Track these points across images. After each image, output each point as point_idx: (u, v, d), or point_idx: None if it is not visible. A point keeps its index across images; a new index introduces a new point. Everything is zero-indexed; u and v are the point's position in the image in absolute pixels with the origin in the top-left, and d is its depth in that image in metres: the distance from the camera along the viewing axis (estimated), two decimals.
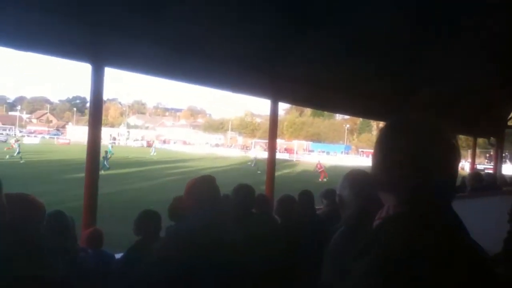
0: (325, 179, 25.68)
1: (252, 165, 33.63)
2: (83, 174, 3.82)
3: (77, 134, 68.13)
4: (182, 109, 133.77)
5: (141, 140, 79.50)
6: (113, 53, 3.87)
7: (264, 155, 16.33)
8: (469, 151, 11.65)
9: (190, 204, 2.40)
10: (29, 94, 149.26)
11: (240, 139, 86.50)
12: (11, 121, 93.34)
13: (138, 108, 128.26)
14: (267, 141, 6.99)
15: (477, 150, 15.45)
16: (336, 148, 68.74)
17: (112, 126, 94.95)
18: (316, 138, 79.35)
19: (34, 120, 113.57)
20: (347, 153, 65.84)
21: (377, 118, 9.15)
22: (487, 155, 44.23)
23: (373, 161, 1.14)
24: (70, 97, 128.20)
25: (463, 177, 7.75)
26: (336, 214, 2.52)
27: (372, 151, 1.19)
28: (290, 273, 3.01)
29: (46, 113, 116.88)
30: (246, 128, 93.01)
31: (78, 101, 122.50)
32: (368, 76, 6.31)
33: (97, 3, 3.53)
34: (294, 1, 4.52)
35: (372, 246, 0.99)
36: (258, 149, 46.86)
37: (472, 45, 6.11)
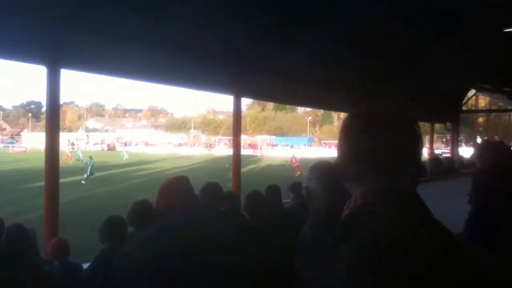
0: (299, 173, 24.66)
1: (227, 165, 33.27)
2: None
3: (33, 141, 65.55)
4: (143, 109, 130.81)
5: (101, 143, 77.68)
6: (69, 53, 3.72)
7: (229, 152, 16.23)
8: (427, 137, 12.06)
9: (164, 205, 2.35)
10: None
11: (204, 137, 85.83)
12: None
13: (97, 111, 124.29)
14: (231, 137, 6.96)
15: (434, 135, 16.05)
16: (299, 141, 69.51)
17: (70, 130, 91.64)
18: (279, 132, 79.87)
19: None
20: (310, 145, 66.72)
21: (338, 109, 9.33)
22: (444, 139, 45.97)
23: (339, 152, 1.15)
24: (25, 102, 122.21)
25: (423, 162, 8.02)
26: (303, 206, 2.53)
27: (334, 142, 1.20)
28: (265, 270, 3.02)
29: None
30: (209, 125, 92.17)
31: (33, 106, 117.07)
32: (330, 66, 6.39)
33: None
34: None
35: (346, 235, 1.00)
36: (222, 147, 46.41)
37: (428, 31, 6.26)
